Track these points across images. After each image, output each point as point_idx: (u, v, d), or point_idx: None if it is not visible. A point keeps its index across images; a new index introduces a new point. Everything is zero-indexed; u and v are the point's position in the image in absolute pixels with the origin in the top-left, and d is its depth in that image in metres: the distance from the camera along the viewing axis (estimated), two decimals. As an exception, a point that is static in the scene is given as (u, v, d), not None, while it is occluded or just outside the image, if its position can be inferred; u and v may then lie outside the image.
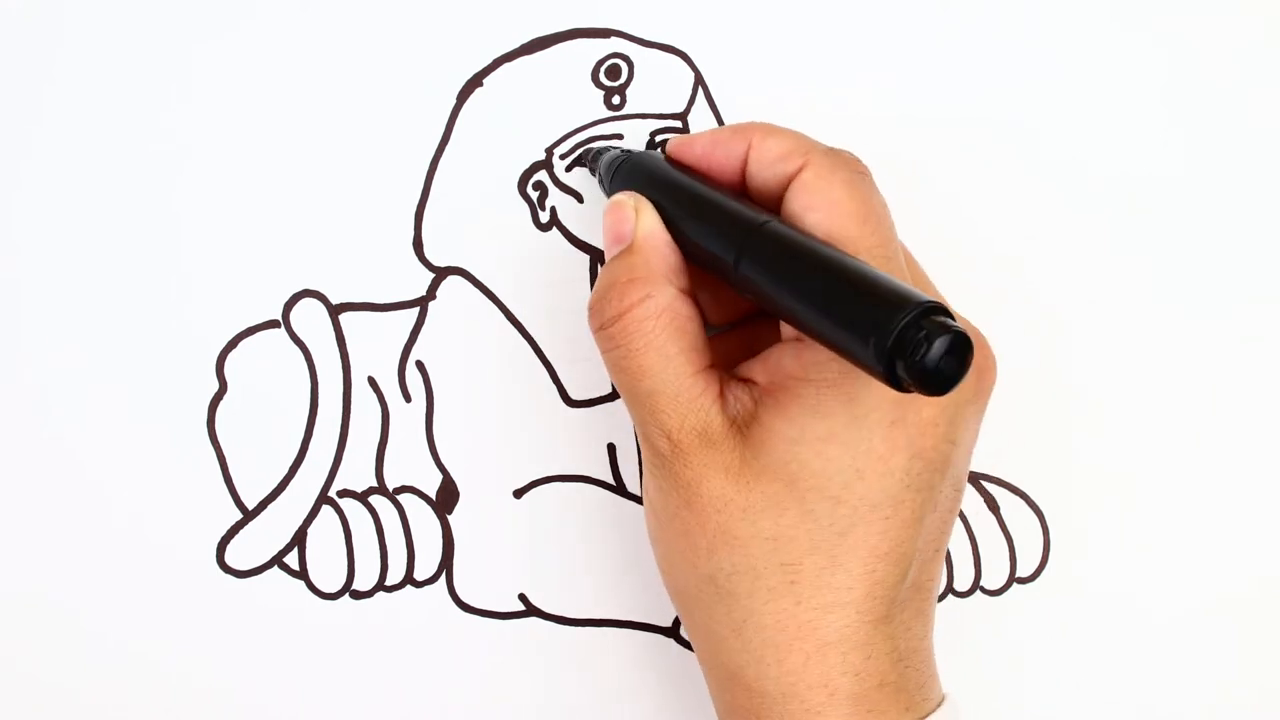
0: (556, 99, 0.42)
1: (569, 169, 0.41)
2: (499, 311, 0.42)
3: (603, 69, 0.42)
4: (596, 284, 0.35)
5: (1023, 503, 0.43)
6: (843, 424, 0.32)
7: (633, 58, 0.42)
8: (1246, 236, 0.43)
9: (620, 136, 0.42)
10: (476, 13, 0.42)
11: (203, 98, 0.42)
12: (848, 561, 0.32)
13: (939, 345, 0.26)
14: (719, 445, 0.33)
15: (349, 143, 0.42)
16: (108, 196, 0.42)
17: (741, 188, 0.36)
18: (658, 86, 0.42)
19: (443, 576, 0.43)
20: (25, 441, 0.42)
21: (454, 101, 0.42)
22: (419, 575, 0.43)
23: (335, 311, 0.42)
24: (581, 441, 0.43)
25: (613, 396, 0.43)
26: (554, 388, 0.43)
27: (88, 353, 0.42)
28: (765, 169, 0.34)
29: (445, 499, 0.43)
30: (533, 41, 0.42)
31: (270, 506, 0.42)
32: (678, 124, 0.42)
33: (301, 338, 0.42)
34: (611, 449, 0.43)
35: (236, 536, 0.42)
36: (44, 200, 0.42)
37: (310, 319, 0.42)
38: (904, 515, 0.32)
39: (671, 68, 0.42)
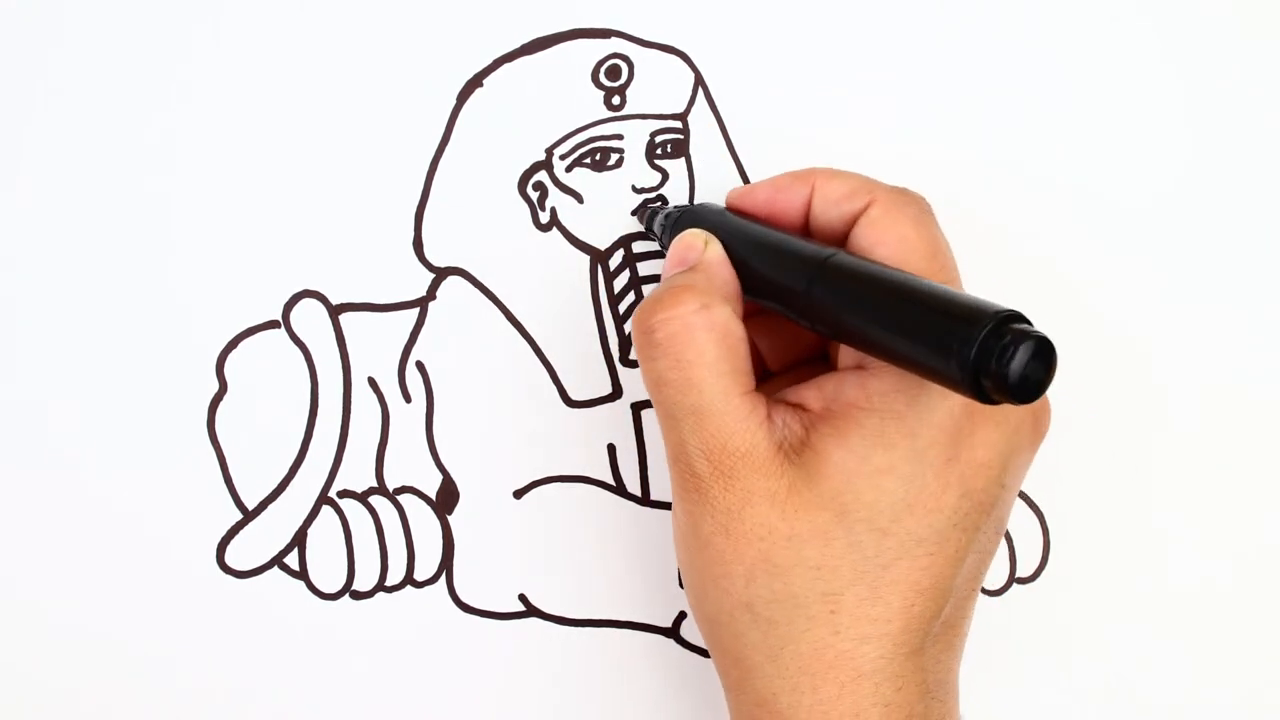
0: (556, 99, 0.42)
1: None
2: (499, 311, 0.42)
3: (603, 69, 0.42)
4: (649, 295, 0.34)
5: (1023, 503, 0.44)
6: (902, 457, 0.31)
7: (633, 58, 0.42)
8: (1249, 238, 0.43)
9: (620, 137, 0.42)
10: (476, 13, 0.42)
11: (203, 98, 0.42)
12: (888, 594, 0.32)
13: (1023, 352, 0.27)
14: (764, 470, 0.32)
15: (349, 143, 0.42)
16: (108, 197, 0.42)
17: (805, 231, 0.36)
18: (658, 87, 0.42)
19: (443, 577, 0.43)
20: (26, 442, 0.42)
21: (454, 102, 0.42)
22: (419, 576, 0.43)
23: (335, 312, 0.42)
24: (581, 442, 0.43)
25: (613, 397, 0.43)
26: (554, 388, 0.43)
27: (88, 353, 0.42)
28: (830, 209, 0.34)
29: (445, 499, 0.43)
30: (533, 42, 0.42)
31: (270, 507, 0.42)
32: (678, 124, 0.42)
33: (301, 338, 0.42)
34: (611, 449, 0.43)
35: (236, 537, 0.42)
36: (43, 201, 0.42)
37: (310, 319, 0.42)
38: (948, 552, 0.32)
39: (671, 68, 0.42)
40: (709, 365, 0.32)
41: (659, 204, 0.41)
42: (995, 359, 0.27)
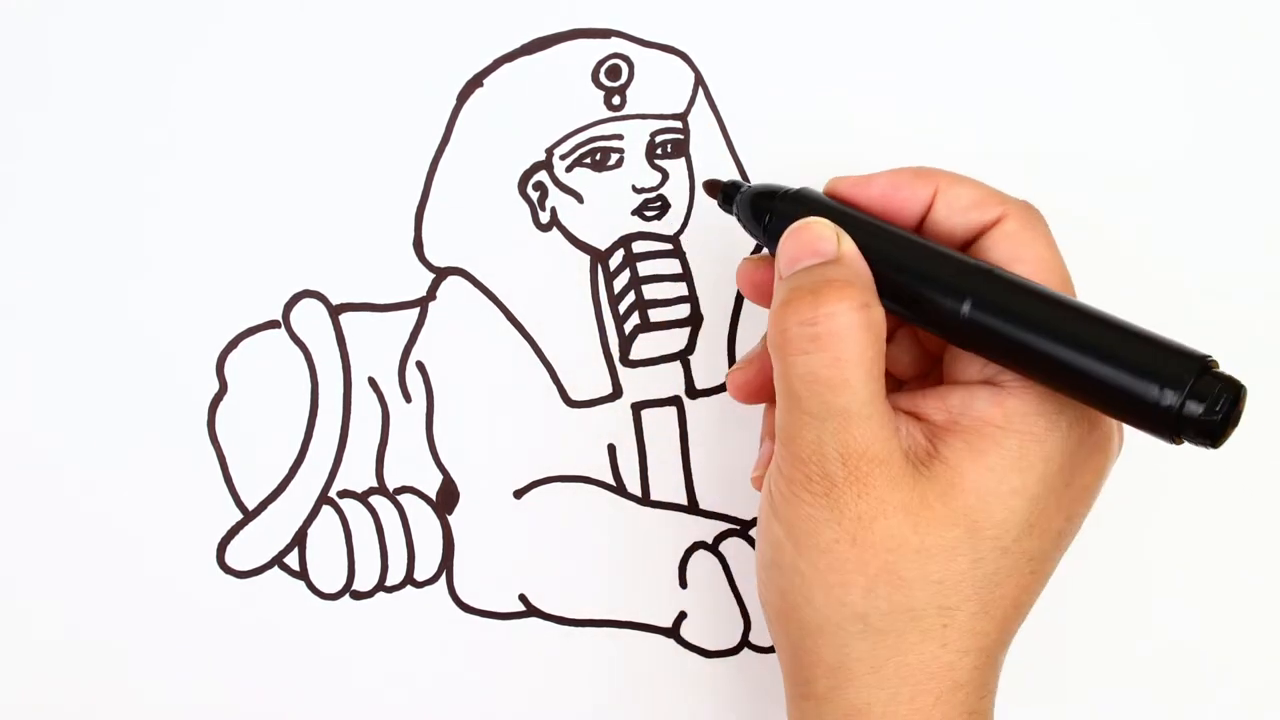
0: (557, 99, 0.42)
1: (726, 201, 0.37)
2: (499, 311, 0.42)
3: (603, 69, 0.42)
4: (788, 283, 0.32)
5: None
6: (1036, 479, 0.31)
7: (633, 58, 0.42)
8: (1251, 237, 0.43)
9: (620, 137, 0.42)
10: (477, 13, 0.42)
11: (204, 98, 0.42)
12: (995, 610, 0.32)
13: (1227, 399, 0.28)
14: (900, 481, 0.31)
15: (349, 143, 0.42)
16: (108, 197, 0.42)
17: (917, 232, 0.34)
18: (658, 87, 0.42)
19: (443, 577, 0.43)
20: (26, 442, 0.42)
21: (454, 102, 0.42)
22: (419, 576, 0.43)
23: (335, 312, 0.42)
24: (581, 442, 0.43)
25: (613, 397, 0.43)
26: (554, 388, 0.43)
27: (89, 353, 0.42)
28: (955, 215, 0.33)
29: (445, 499, 0.43)
30: (533, 42, 0.42)
31: (270, 507, 0.42)
32: (678, 124, 0.42)
33: (302, 338, 0.42)
34: (612, 449, 0.43)
35: (237, 537, 0.42)
36: (43, 201, 0.42)
37: (310, 319, 0.42)
38: (1045, 570, 0.33)
39: (672, 68, 0.42)
40: (866, 365, 0.30)
41: (740, 183, 0.37)
42: (1207, 404, 0.27)
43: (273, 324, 0.42)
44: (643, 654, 0.43)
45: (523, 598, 0.43)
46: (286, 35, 0.42)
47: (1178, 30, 0.43)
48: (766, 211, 0.35)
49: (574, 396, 0.43)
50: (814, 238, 0.32)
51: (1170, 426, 0.28)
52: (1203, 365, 0.28)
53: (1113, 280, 0.43)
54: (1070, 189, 0.43)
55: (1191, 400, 0.28)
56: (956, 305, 0.31)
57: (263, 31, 0.42)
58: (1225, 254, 0.43)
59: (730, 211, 0.36)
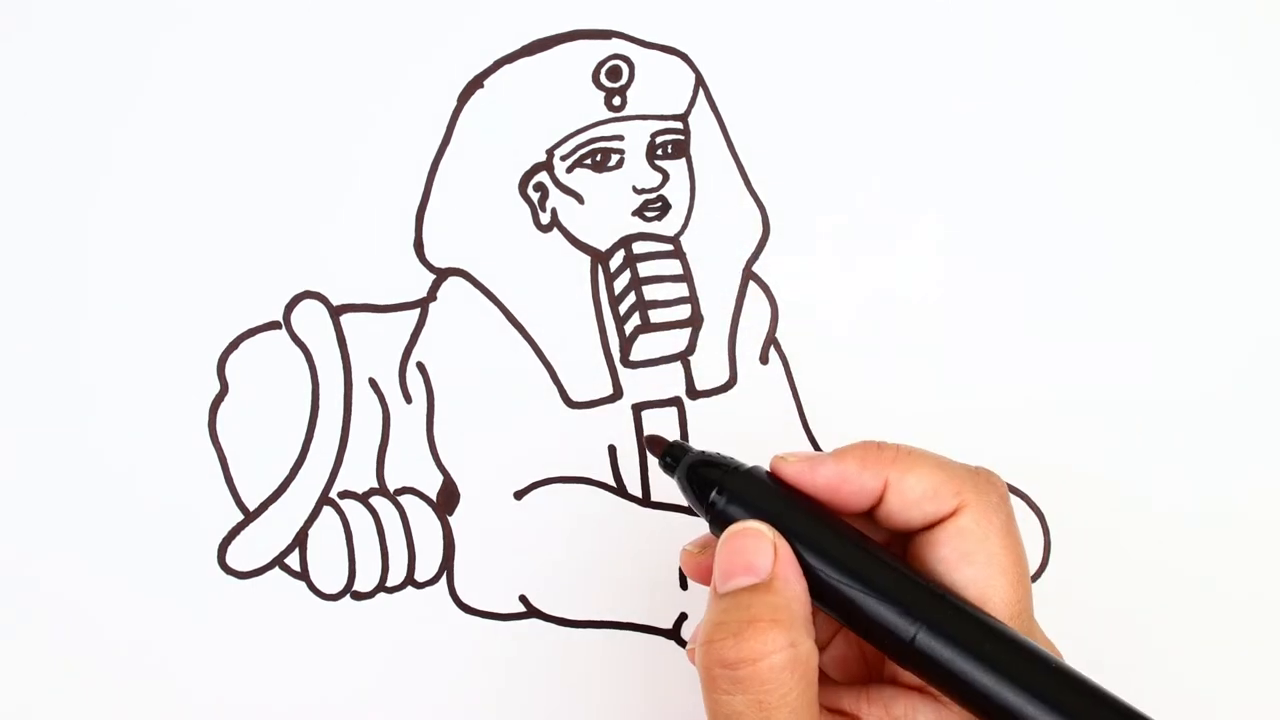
0: (557, 100, 0.42)
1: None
2: (499, 312, 0.42)
3: (603, 70, 0.42)
4: (716, 612, 0.30)
5: (1023, 503, 0.44)
6: None
7: (633, 59, 0.42)
8: (1250, 240, 0.43)
9: (621, 137, 0.42)
10: (477, 14, 0.42)
11: (205, 99, 0.42)
12: None
13: None
14: None
15: (350, 144, 0.42)
16: (108, 198, 0.42)
17: (865, 518, 0.33)
18: (658, 87, 0.42)
19: (443, 577, 0.43)
20: (26, 442, 0.42)
21: (455, 103, 0.42)
22: (420, 576, 0.43)
23: (336, 312, 0.42)
24: (582, 443, 0.43)
25: (613, 398, 0.43)
26: (554, 388, 0.43)
27: (89, 354, 0.42)
28: (910, 508, 0.31)
29: (446, 500, 0.43)
30: (534, 43, 0.42)
31: (271, 507, 0.42)
32: (678, 124, 0.42)
33: (302, 339, 0.42)
34: (612, 450, 0.43)
35: (238, 537, 0.42)
36: (43, 201, 0.42)
37: (311, 320, 0.42)
38: None
39: (672, 68, 0.42)
40: (789, 708, 0.29)
41: (683, 450, 0.35)
42: None
43: (273, 325, 0.42)
44: (643, 654, 0.43)
45: (523, 598, 0.43)
46: (288, 36, 0.42)
47: (1179, 30, 0.43)
48: (708, 484, 0.33)
49: (574, 397, 0.43)
50: (748, 551, 0.31)
51: None
52: None
53: (1112, 279, 0.44)
54: (1074, 191, 0.43)
55: None
56: (905, 631, 0.30)
57: (264, 32, 0.42)
58: (1228, 256, 0.43)
59: (671, 475, 0.35)
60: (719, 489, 0.33)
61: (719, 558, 0.31)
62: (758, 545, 0.31)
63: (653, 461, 0.43)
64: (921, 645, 0.30)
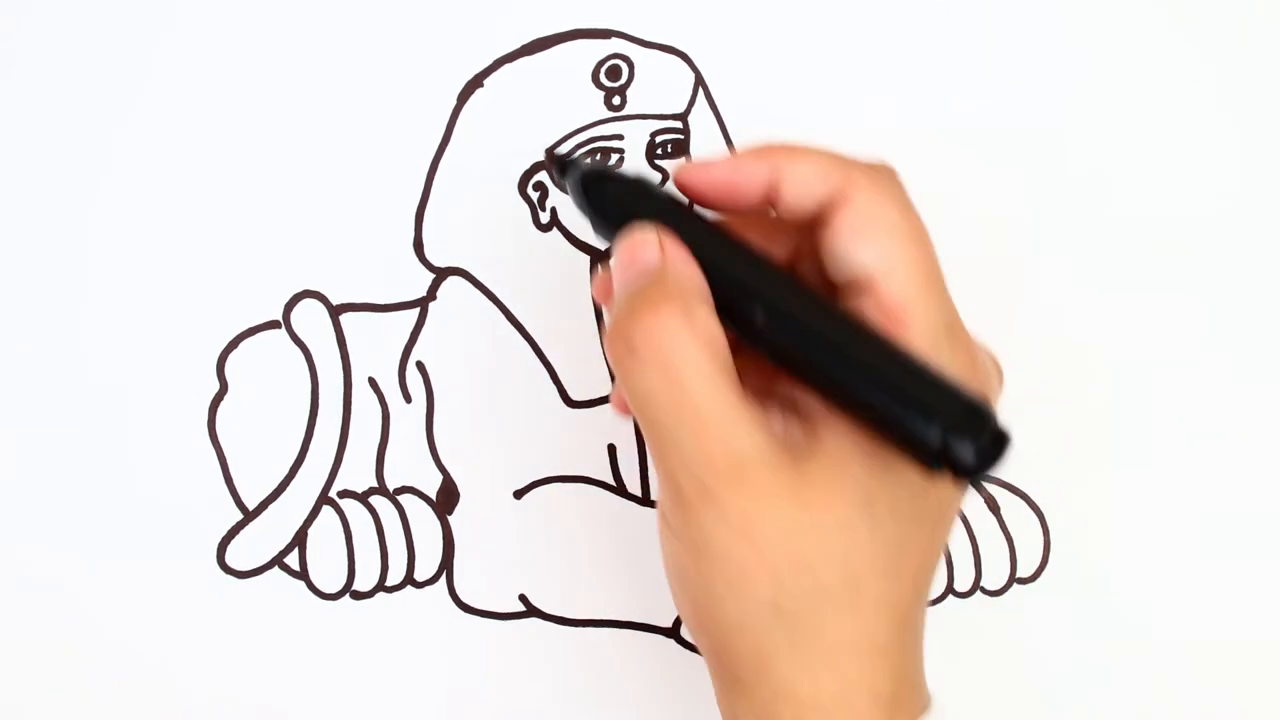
0: (557, 100, 0.42)
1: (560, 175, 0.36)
2: (499, 311, 0.42)
3: (603, 70, 0.42)
4: (617, 308, 0.31)
5: (1023, 503, 0.44)
6: None
7: (633, 58, 0.42)
8: (1250, 242, 0.43)
9: (621, 137, 0.42)
10: (477, 13, 0.42)
11: (205, 98, 0.42)
12: (903, 573, 0.32)
13: (984, 448, 0.27)
14: (776, 468, 0.31)
15: (350, 143, 0.42)
16: (108, 197, 0.42)
17: (769, 215, 0.34)
18: (658, 87, 0.42)
19: (443, 577, 0.43)
20: (26, 442, 0.42)
21: (454, 102, 0.42)
22: (419, 576, 0.43)
23: (336, 312, 0.42)
24: (581, 442, 0.43)
25: (613, 397, 0.43)
26: (554, 388, 0.43)
27: (88, 353, 0.42)
28: (801, 195, 0.32)
29: (445, 499, 0.43)
30: (533, 42, 0.42)
31: (271, 507, 0.42)
32: (678, 124, 0.42)
33: (302, 338, 0.42)
34: (612, 450, 0.43)
35: (237, 537, 0.42)
36: (44, 201, 0.42)
37: (311, 319, 0.42)
38: (947, 525, 0.33)
39: (672, 68, 0.42)
40: (699, 370, 0.30)
41: (576, 155, 0.36)
42: (955, 448, 0.27)
43: (273, 324, 0.42)
44: (643, 654, 0.43)
45: (523, 598, 0.43)
46: (288, 35, 0.42)
47: (1181, 29, 0.43)
48: (600, 196, 0.33)
49: (574, 396, 0.43)
50: (635, 250, 0.32)
51: (925, 466, 0.28)
52: (969, 407, 0.28)
53: (1112, 278, 0.44)
54: (1073, 192, 0.43)
55: (946, 447, 0.28)
56: (754, 313, 0.31)
57: (264, 31, 0.42)
58: (1228, 256, 0.43)
59: (563, 189, 0.35)
60: (609, 199, 0.33)
61: (614, 268, 0.32)
62: (644, 243, 0.32)
63: (652, 460, 0.43)
64: (775, 335, 0.30)
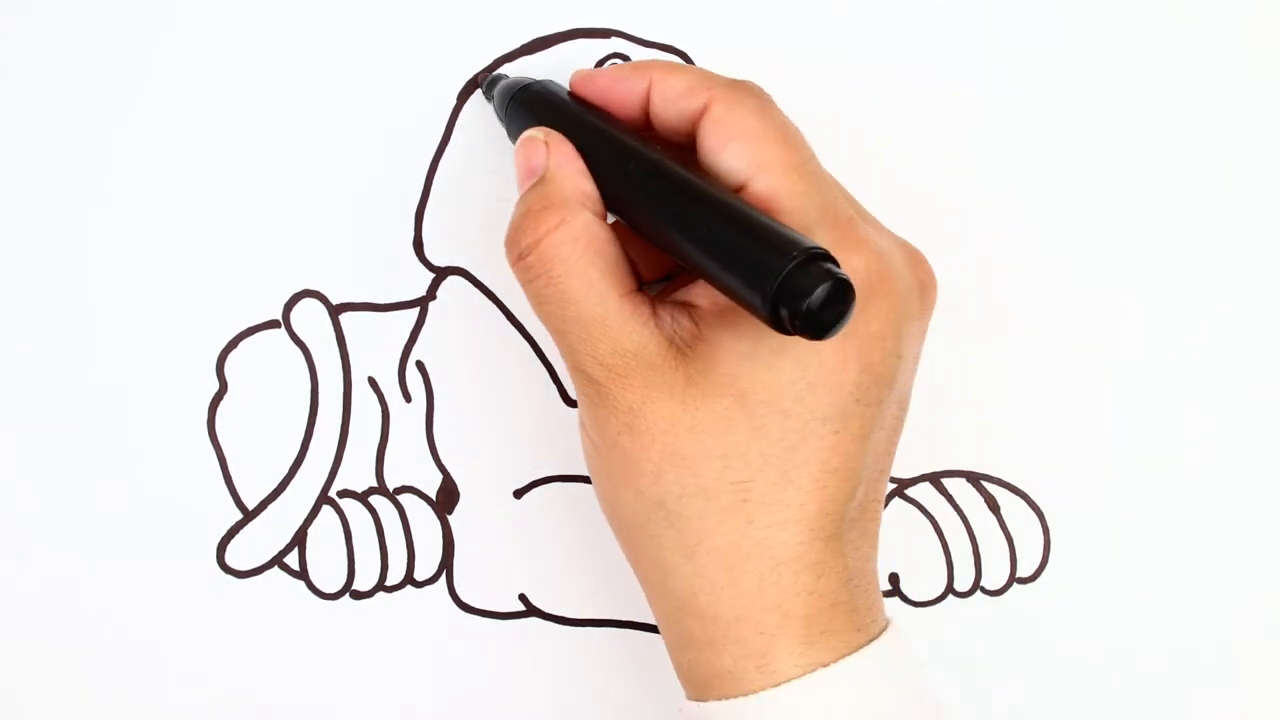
0: (557, 99, 0.42)
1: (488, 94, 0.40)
2: (499, 311, 0.42)
3: (603, 69, 0.42)
4: (511, 218, 0.34)
5: (1023, 503, 0.44)
6: (796, 338, 0.31)
7: (633, 58, 0.42)
8: (1250, 241, 0.43)
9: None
10: (477, 13, 0.42)
11: (204, 98, 0.42)
12: (799, 478, 0.31)
13: (821, 293, 0.27)
14: (659, 366, 0.32)
15: (349, 143, 0.42)
16: (108, 197, 0.42)
17: (646, 125, 0.36)
18: (658, 87, 0.42)
19: (443, 577, 0.43)
20: (25, 441, 0.42)
21: (454, 101, 0.42)
22: (419, 575, 0.43)
23: (335, 311, 0.42)
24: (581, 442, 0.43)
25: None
26: (554, 388, 0.43)
27: (88, 352, 0.42)
28: (669, 106, 0.34)
29: (445, 499, 0.43)
30: (533, 41, 0.42)
31: (270, 506, 0.42)
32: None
33: (302, 338, 0.42)
34: (612, 449, 0.43)
35: (237, 536, 0.42)
36: (44, 201, 0.42)
37: (310, 319, 0.42)
38: (853, 430, 0.32)
39: (671, 68, 0.42)
40: (580, 275, 0.32)
41: (501, 76, 0.40)
42: (795, 296, 0.27)
43: (273, 324, 0.42)
44: (643, 654, 0.43)
45: (523, 597, 0.43)
46: (287, 35, 0.42)
47: (1183, 29, 0.43)
48: (515, 105, 0.37)
49: (574, 396, 0.43)
50: (529, 154, 0.34)
51: (771, 320, 0.28)
52: (805, 258, 0.28)
53: (1111, 279, 0.43)
54: (1068, 181, 0.43)
55: (781, 296, 0.27)
56: (625, 198, 0.33)
57: (263, 31, 0.42)
58: (1228, 256, 0.43)
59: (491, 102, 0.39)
60: (521, 106, 0.37)
61: (515, 172, 0.35)
62: (533, 147, 0.34)
63: None
64: (637, 209, 0.33)
